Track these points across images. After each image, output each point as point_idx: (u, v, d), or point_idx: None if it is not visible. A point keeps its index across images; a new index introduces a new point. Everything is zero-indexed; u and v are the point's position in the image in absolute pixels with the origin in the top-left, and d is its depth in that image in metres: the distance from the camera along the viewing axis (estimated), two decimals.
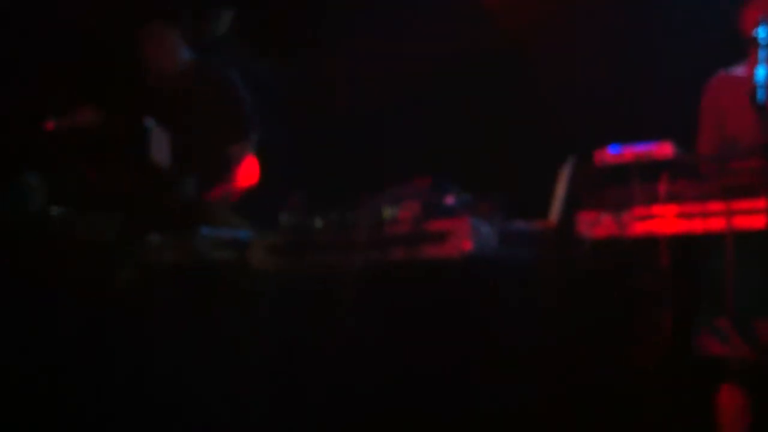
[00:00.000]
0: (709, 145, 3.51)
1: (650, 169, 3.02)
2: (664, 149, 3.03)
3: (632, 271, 3.04)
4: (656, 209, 3.01)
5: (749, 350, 3.13)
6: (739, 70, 3.50)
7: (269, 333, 3.52)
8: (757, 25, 3.18)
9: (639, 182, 3.01)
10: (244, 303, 3.57)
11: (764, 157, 2.92)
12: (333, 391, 3.39)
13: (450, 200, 3.22)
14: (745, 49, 3.40)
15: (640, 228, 3.03)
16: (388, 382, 3.31)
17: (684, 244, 3.03)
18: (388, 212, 3.27)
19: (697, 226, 2.98)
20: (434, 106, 4.88)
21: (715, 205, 2.96)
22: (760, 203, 2.90)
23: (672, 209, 3.00)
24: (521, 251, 3.22)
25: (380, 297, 3.32)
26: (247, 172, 4.35)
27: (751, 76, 3.02)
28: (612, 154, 3.06)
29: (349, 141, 4.98)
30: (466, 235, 3.09)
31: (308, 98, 5.17)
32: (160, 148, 4.14)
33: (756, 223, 2.91)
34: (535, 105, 4.61)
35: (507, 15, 4.79)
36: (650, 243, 3.00)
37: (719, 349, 3.18)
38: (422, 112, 4.89)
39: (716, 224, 2.96)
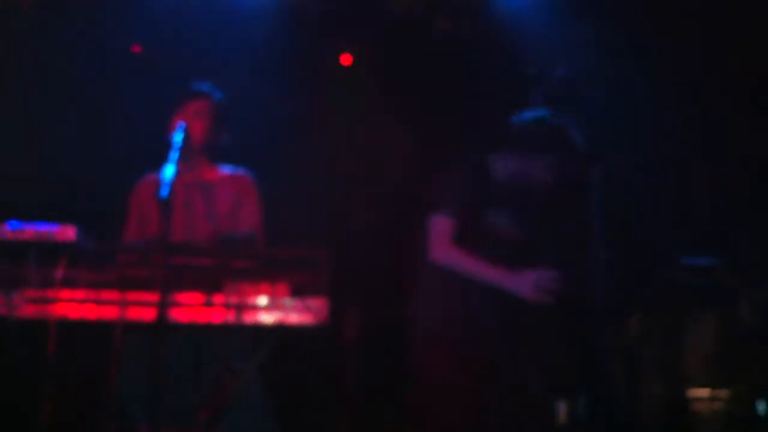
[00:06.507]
0: (131, 240, 3.59)
1: (49, 251, 2.96)
2: (66, 233, 2.99)
3: (18, 353, 2.92)
4: (50, 292, 2.95)
5: None
6: None
7: None
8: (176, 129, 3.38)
9: (35, 263, 2.93)
10: None
11: (164, 251, 3.01)
12: None
13: None
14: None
15: (30, 310, 2.93)
16: None
17: (75, 330, 2.99)
18: None
19: (91, 313, 2.97)
20: None
21: (111, 295, 2.97)
22: (152, 296, 2.97)
23: (67, 294, 2.96)
24: None
25: None
26: None
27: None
28: (10, 230, 2.95)
29: None
30: None
31: None
32: None
33: (147, 315, 2.98)
34: None
35: None
36: (39, 326, 2.91)
37: None
38: None
39: (110, 313, 2.97)
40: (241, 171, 3.84)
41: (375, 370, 4.70)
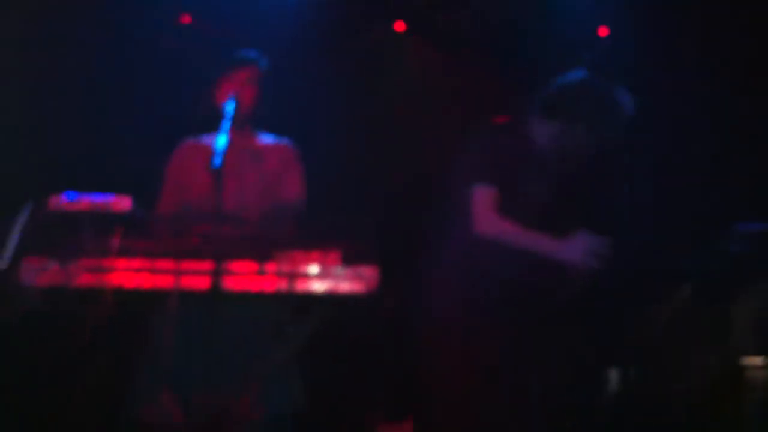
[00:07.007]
0: (168, 208, 3.62)
1: (105, 221, 2.99)
2: (122, 203, 3.02)
3: (75, 322, 2.96)
4: (107, 262, 2.98)
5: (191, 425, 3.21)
6: (207, 139, 3.65)
7: None
8: (227, 99, 3.40)
9: (92, 232, 2.97)
10: None
11: (215, 221, 3.05)
12: None
13: None
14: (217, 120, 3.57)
15: (87, 279, 2.97)
16: None
17: (132, 299, 3.03)
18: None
19: (146, 282, 3.01)
20: None
21: (165, 264, 3.01)
22: (206, 265, 3.00)
23: (123, 263, 2.99)
24: None
25: None
26: None
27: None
28: (67, 201, 2.99)
29: None
30: None
31: None
32: None
33: (201, 284, 3.01)
34: None
35: None
36: (96, 294, 2.95)
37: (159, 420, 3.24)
38: None
39: (165, 282, 3.01)
40: (284, 141, 3.85)
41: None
